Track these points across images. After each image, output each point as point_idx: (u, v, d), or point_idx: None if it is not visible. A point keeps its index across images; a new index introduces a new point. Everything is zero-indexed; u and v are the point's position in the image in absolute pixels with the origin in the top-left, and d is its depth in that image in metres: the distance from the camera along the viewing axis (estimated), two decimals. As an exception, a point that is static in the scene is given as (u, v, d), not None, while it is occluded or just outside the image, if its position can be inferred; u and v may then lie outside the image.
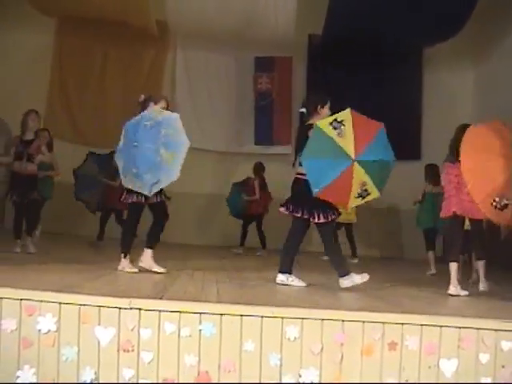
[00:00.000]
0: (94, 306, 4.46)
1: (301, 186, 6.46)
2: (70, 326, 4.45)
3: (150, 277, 6.55)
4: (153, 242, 7.02)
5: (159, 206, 7.04)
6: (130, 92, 14.77)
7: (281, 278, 6.55)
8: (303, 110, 6.89)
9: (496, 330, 4.61)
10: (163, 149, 6.55)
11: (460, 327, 4.60)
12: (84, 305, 4.46)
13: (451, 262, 6.73)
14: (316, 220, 6.44)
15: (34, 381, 4.41)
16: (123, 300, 4.49)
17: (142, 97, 7.30)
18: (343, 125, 6.51)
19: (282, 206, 6.68)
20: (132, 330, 4.44)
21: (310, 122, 6.69)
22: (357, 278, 6.43)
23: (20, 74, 14.38)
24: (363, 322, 4.56)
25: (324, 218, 6.44)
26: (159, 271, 6.81)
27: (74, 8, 13.45)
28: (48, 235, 11.15)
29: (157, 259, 7.00)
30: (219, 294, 5.35)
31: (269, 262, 9.16)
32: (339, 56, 14.33)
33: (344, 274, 6.46)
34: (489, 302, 6.43)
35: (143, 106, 7.22)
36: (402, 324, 4.58)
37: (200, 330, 4.47)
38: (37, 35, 14.62)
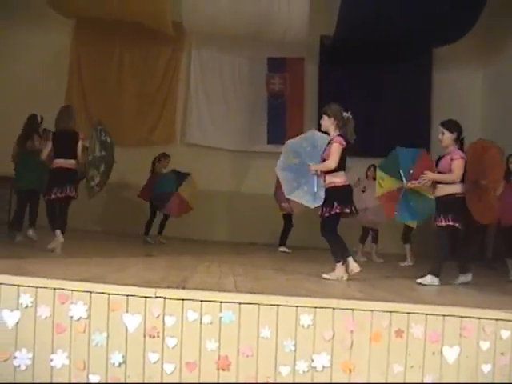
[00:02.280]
0: (123, 294, 4.72)
1: None
2: (100, 313, 4.71)
3: (170, 269, 6.85)
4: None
5: None
6: (146, 91, 15.14)
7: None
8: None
9: (496, 320, 4.82)
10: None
11: (462, 316, 4.82)
12: (113, 294, 4.72)
13: None
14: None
15: (67, 363, 4.72)
16: (149, 289, 4.75)
17: None
18: None
19: None
20: (157, 317, 4.70)
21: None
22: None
23: (39, 74, 14.65)
24: (372, 310, 4.79)
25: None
26: None
27: (91, 9, 13.67)
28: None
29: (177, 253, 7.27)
30: (236, 285, 5.63)
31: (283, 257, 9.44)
32: (350, 57, 14.52)
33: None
34: (489, 293, 6.72)
35: None
36: (408, 313, 4.81)
37: (220, 318, 4.72)
38: (55, 36, 14.89)
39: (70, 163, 8.56)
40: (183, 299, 4.74)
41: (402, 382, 4.78)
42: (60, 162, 8.53)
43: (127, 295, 4.74)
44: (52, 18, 14.10)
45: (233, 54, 15.44)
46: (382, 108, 14.92)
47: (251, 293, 5.02)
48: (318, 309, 4.78)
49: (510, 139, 11.77)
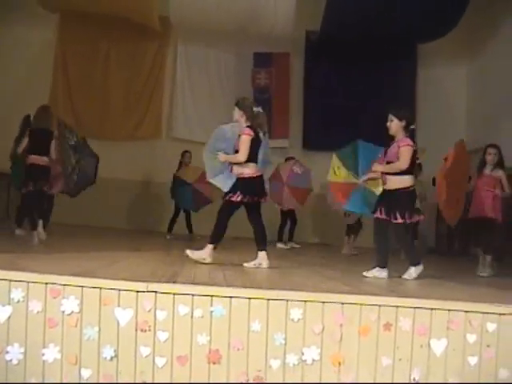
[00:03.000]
0: (114, 289, 4.75)
1: None
2: (92, 307, 4.74)
3: (160, 264, 6.88)
4: None
5: None
6: (132, 86, 15.15)
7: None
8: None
9: (482, 313, 4.88)
10: None
11: (449, 310, 4.88)
12: (104, 288, 4.75)
13: None
14: None
15: (59, 358, 4.76)
16: (141, 284, 4.78)
17: None
18: None
19: None
20: (149, 311, 4.73)
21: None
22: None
23: (23, 69, 14.64)
24: (361, 304, 4.85)
25: None
26: None
27: (76, 3, 13.67)
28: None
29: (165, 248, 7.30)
30: (226, 279, 5.68)
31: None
32: (336, 52, 14.61)
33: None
34: (476, 287, 6.84)
35: None
36: (397, 307, 4.86)
37: (211, 312, 4.75)
38: (40, 31, 14.87)
39: (43, 160, 9.07)
40: (174, 293, 4.77)
41: (391, 374, 4.85)
42: (34, 158, 9.02)
43: (119, 289, 4.76)
44: (36, 12, 14.06)
45: (219, 49, 15.52)
46: (368, 103, 14.98)
47: (242, 287, 5.07)
48: (307, 303, 4.82)
49: (496, 135, 11.89)
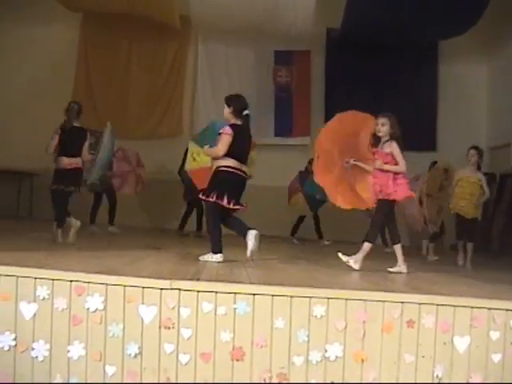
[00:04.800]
0: (138, 286, 4.79)
1: None
2: (116, 305, 4.79)
3: (182, 261, 6.93)
4: None
5: None
6: (153, 85, 15.21)
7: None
8: None
9: (506, 310, 4.87)
10: None
11: (472, 307, 4.88)
12: (129, 286, 4.80)
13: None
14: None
15: (84, 355, 4.81)
16: (164, 281, 4.82)
17: None
18: None
19: None
20: (172, 308, 4.77)
21: None
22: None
23: (47, 68, 14.72)
24: (384, 301, 4.86)
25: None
26: None
27: (99, 3, 13.75)
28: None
29: (185, 246, 7.33)
30: (249, 276, 5.70)
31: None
32: (356, 49, 14.58)
33: (214, 250, 7.06)
34: (499, 284, 6.79)
35: None
36: (420, 304, 4.87)
37: (234, 309, 4.78)
38: (63, 30, 14.98)
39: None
40: (198, 291, 4.81)
41: (414, 371, 4.85)
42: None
43: (143, 287, 4.80)
44: (59, 12, 14.16)
45: (239, 47, 15.48)
46: (388, 101, 14.92)
47: (265, 284, 5.09)
48: (330, 300, 4.84)
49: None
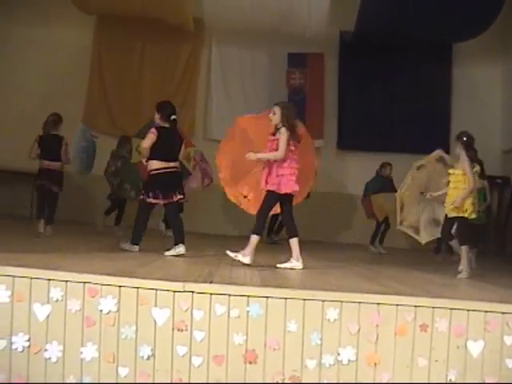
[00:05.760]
0: (151, 288, 4.81)
1: None
2: (129, 307, 4.81)
3: (195, 264, 6.90)
4: None
5: None
6: (166, 87, 15.21)
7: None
8: None
9: (520, 315, 4.85)
10: None
11: (486, 311, 4.87)
12: (142, 288, 4.81)
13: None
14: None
15: (97, 356, 4.82)
16: (177, 284, 4.84)
17: None
18: None
19: None
20: (185, 311, 4.78)
21: None
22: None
23: (61, 70, 14.73)
24: (397, 305, 4.86)
25: None
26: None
27: (113, 6, 13.76)
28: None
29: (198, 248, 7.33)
30: (262, 279, 5.70)
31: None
32: (370, 52, 14.57)
33: (133, 241, 7.94)
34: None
35: None
36: (433, 308, 4.87)
37: (247, 312, 4.80)
38: (77, 33, 14.92)
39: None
40: (211, 293, 4.82)
41: (427, 375, 4.84)
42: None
43: (156, 289, 4.82)
44: (73, 15, 14.18)
45: (253, 49, 15.43)
46: (402, 103, 14.94)
47: (278, 287, 5.09)
48: (344, 303, 4.85)
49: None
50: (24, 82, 14.65)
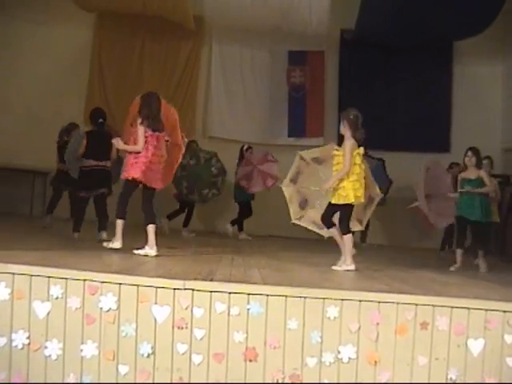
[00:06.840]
0: (151, 286, 4.81)
1: None
2: (129, 304, 4.80)
3: (195, 262, 6.89)
4: None
5: None
6: (166, 85, 15.19)
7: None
8: None
9: (521, 313, 4.85)
10: None
11: (487, 310, 4.86)
12: (142, 285, 4.81)
13: None
14: None
15: (96, 354, 4.82)
16: (178, 281, 4.83)
17: None
18: None
19: None
20: (186, 308, 4.78)
21: None
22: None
23: (61, 68, 14.74)
24: (397, 303, 4.85)
25: None
26: None
27: (113, 3, 13.76)
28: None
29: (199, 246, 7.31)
30: (262, 277, 5.68)
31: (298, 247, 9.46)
32: (370, 50, 14.58)
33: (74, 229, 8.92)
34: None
35: None
36: (433, 306, 4.86)
37: (248, 310, 4.79)
38: (77, 30, 14.93)
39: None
40: (211, 291, 4.82)
41: (427, 373, 4.84)
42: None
43: (156, 287, 4.82)
44: (73, 12, 14.15)
45: (253, 47, 15.43)
46: (402, 102, 14.94)
47: (279, 285, 5.08)
48: (344, 301, 4.84)
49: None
50: (23, 79, 14.63)
